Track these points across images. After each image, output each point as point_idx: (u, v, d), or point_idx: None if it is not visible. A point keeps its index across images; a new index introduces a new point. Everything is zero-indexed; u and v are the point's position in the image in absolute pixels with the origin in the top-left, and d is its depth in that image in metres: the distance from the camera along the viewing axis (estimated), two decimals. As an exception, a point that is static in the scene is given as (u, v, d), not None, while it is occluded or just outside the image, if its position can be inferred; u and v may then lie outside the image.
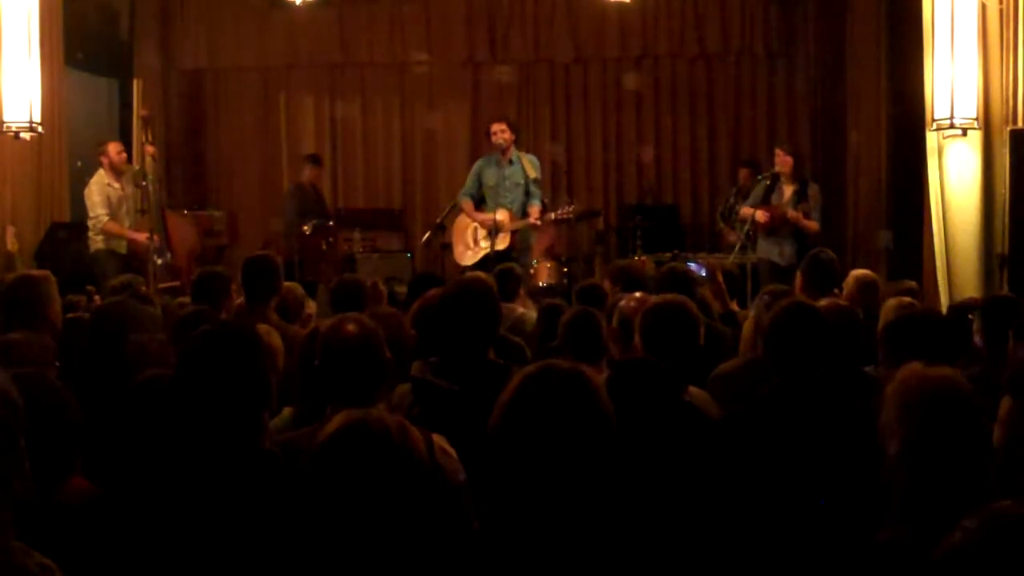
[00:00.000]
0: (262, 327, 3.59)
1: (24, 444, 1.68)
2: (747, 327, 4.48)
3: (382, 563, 1.84)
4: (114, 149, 8.20)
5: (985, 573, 1.42)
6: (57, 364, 3.65)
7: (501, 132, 8.20)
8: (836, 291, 5.30)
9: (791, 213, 7.87)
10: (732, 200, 9.48)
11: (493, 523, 2.07)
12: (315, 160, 9.91)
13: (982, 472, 2.19)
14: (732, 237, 9.32)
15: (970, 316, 4.60)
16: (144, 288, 6.05)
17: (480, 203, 8.36)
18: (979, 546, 1.44)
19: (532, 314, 5.52)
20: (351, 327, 2.77)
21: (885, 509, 2.25)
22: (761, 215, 7.93)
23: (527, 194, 8.24)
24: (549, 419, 1.99)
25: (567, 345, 4.04)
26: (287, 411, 3.23)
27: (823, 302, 3.99)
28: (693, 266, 5.85)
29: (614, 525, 2.00)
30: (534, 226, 8.19)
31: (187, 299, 5.32)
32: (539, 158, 8.76)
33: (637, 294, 4.11)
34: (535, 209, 8.20)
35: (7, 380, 1.69)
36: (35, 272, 4.47)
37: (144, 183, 8.31)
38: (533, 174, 8.28)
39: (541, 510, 1.97)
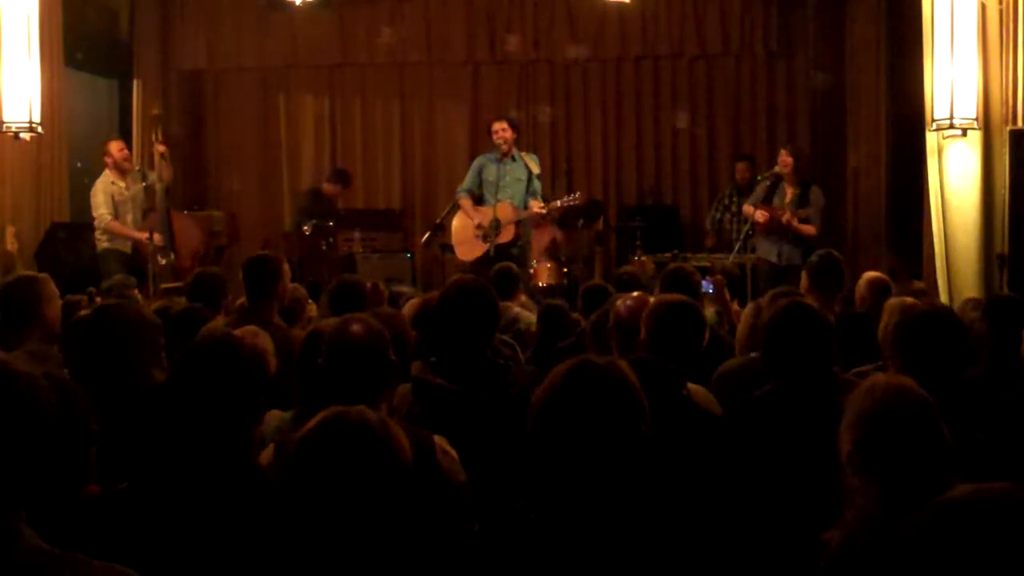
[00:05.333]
0: (249, 329, 3.58)
1: (49, 439, 1.70)
2: (741, 327, 4.48)
3: (367, 560, 1.83)
4: (115, 148, 8.23)
5: (938, 562, 1.43)
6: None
7: (502, 131, 8.26)
8: (838, 295, 5.30)
9: (786, 217, 7.87)
10: (727, 200, 9.49)
11: (532, 518, 2.07)
12: (340, 177, 9.79)
13: (933, 477, 2.21)
14: (710, 241, 9.36)
15: (972, 316, 4.59)
16: (136, 289, 6.06)
17: (479, 200, 8.40)
18: (930, 535, 1.45)
19: (527, 313, 5.52)
20: (357, 328, 2.77)
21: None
22: (761, 215, 7.94)
23: (528, 189, 8.28)
24: (594, 412, 2.01)
25: (592, 343, 4.05)
26: (278, 413, 3.21)
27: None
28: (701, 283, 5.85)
29: (645, 518, 2.02)
30: (540, 216, 8.22)
31: (183, 299, 5.31)
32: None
33: (635, 293, 4.11)
34: (537, 202, 8.25)
35: (40, 377, 1.71)
36: (30, 274, 4.45)
37: (145, 183, 8.33)
38: (536, 170, 8.33)
39: (584, 503, 1.99)
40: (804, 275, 5.38)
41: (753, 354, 4.09)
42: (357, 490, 1.82)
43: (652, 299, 3.70)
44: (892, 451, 2.26)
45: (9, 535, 1.63)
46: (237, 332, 3.23)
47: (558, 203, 8.38)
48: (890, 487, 2.22)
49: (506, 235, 8.19)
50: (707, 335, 3.52)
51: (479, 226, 8.26)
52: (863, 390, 2.36)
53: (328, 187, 9.64)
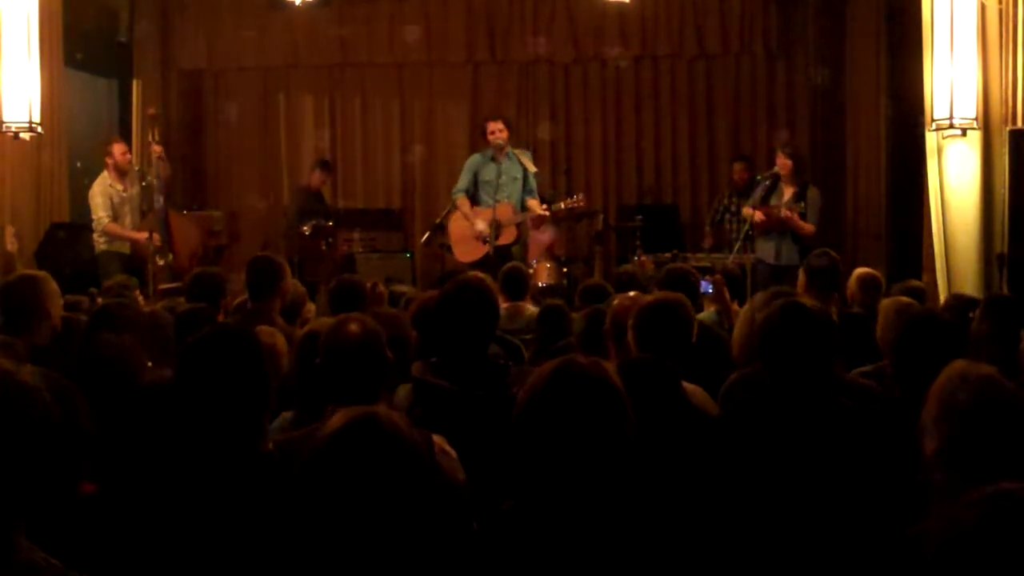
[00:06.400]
0: (267, 329, 3.60)
1: (47, 449, 1.68)
2: (738, 327, 4.47)
3: (385, 560, 1.83)
4: (119, 150, 8.20)
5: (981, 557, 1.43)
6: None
7: (499, 132, 8.23)
8: (835, 293, 5.29)
9: (784, 212, 7.86)
10: (726, 200, 9.48)
11: (516, 515, 2.07)
12: (325, 166, 9.95)
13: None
14: (708, 242, 9.33)
15: (970, 315, 4.59)
16: (138, 290, 6.06)
17: (474, 200, 8.37)
18: (975, 530, 1.45)
19: (539, 312, 5.51)
20: (353, 327, 2.78)
21: (923, 507, 2.24)
22: (758, 215, 7.95)
23: (524, 188, 8.28)
24: (575, 412, 2.02)
25: (581, 343, 4.05)
26: (287, 414, 3.22)
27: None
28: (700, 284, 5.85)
29: (629, 516, 2.02)
30: (543, 217, 8.22)
31: (182, 299, 5.31)
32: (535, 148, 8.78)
33: (631, 293, 4.11)
34: (536, 202, 8.25)
35: (39, 386, 1.70)
36: (32, 272, 4.46)
37: (145, 183, 8.32)
38: (532, 168, 8.32)
39: (565, 502, 1.99)
40: (801, 274, 5.37)
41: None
42: (383, 489, 1.81)
43: (647, 297, 3.71)
44: (991, 443, 2.18)
45: (4, 548, 1.61)
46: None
47: (562, 205, 8.39)
48: (986, 480, 2.17)
49: (507, 237, 8.18)
50: (695, 332, 3.51)
51: (480, 232, 8.19)
52: (952, 382, 2.28)
53: (316, 177, 9.69)
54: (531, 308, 5.60)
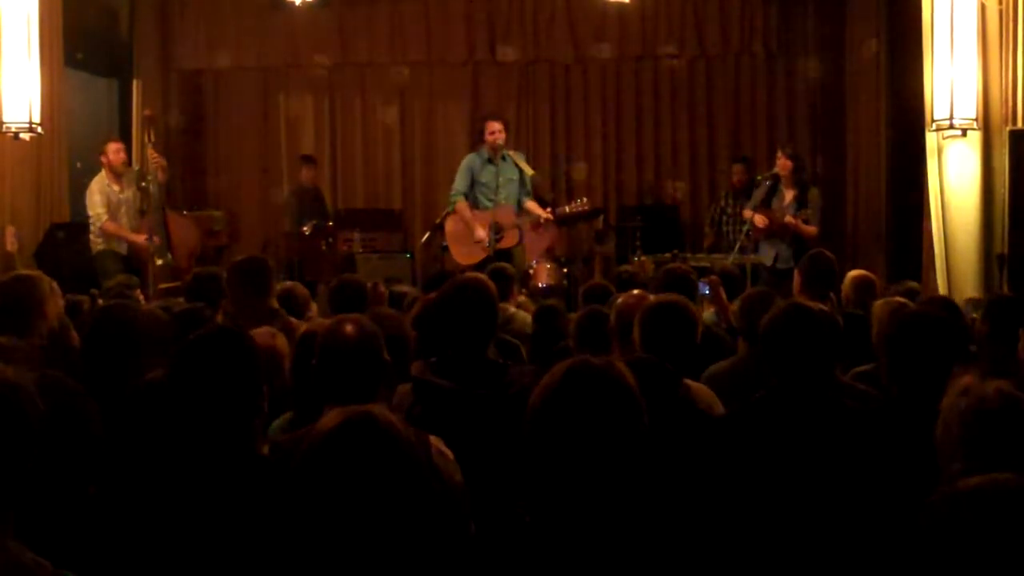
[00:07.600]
0: (268, 330, 3.59)
1: (36, 449, 1.68)
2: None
3: (379, 561, 1.82)
4: (112, 149, 8.16)
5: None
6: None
7: (499, 132, 8.18)
8: (832, 294, 5.30)
9: (789, 219, 7.87)
10: (723, 202, 9.48)
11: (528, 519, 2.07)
12: (308, 160, 9.99)
13: None
14: (708, 242, 9.33)
15: (973, 316, 4.60)
16: (139, 290, 6.06)
17: (472, 202, 8.33)
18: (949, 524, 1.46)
19: (522, 313, 5.51)
20: (349, 328, 2.77)
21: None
22: (760, 219, 7.95)
23: (521, 189, 8.26)
24: (592, 413, 2.01)
25: (579, 343, 4.05)
26: (288, 414, 3.22)
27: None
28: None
29: (642, 518, 2.02)
30: (546, 221, 8.20)
31: (181, 300, 5.31)
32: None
33: (635, 291, 4.12)
34: (534, 204, 8.23)
35: (27, 385, 1.69)
36: (26, 272, 4.44)
37: (144, 184, 8.30)
38: (529, 171, 8.30)
39: (581, 504, 1.98)
40: (797, 275, 5.38)
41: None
42: (377, 487, 1.80)
43: (652, 297, 3.71)
44: (1017, 455, 2.17)
45: None
46: (254, 332, 3.22)
47: (566, 209, 8.37)
48: None
49: (509, 240, 8.13)
50: (700, 333, 3.52)
51: (481, 239, 8.13)
52: (967, 401, 2.27)
53: (304, 173, 9.74)
54: (511, 309, 5.59)
